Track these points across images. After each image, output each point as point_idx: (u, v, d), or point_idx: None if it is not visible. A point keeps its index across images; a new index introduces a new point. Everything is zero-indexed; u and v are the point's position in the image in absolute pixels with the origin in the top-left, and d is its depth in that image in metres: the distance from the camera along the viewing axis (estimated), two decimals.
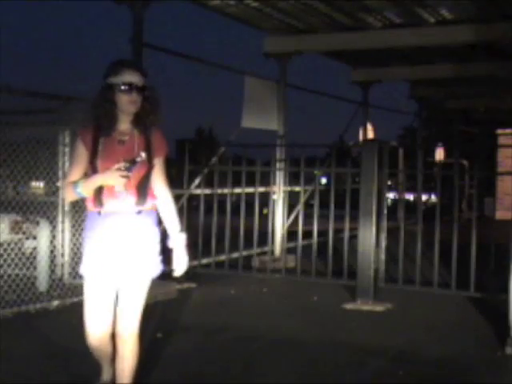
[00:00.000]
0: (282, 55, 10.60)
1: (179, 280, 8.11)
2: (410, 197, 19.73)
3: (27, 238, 7.12)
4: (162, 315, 6.67)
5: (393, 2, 9.23)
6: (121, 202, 3.51)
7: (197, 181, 8.65)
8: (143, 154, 3.45)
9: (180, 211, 8.54)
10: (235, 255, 8.61)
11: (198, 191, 8.67)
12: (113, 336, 3.65)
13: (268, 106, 10.31)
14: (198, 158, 8.73)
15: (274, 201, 9.78)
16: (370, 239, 7.39)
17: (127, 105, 3.47)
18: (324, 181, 16.17)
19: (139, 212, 3.53)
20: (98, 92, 3.50)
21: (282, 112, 10.48)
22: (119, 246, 3.53)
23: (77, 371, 4.78)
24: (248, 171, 8.65)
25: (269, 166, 9.68)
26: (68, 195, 3.62)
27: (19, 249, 6.81)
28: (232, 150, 10.80)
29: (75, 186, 3.46)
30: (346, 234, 7.90)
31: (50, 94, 6.84)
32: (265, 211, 10.09)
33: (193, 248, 8.54)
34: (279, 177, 10.05)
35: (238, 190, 8.99)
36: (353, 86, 14.12)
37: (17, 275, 6.69)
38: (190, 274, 8.31)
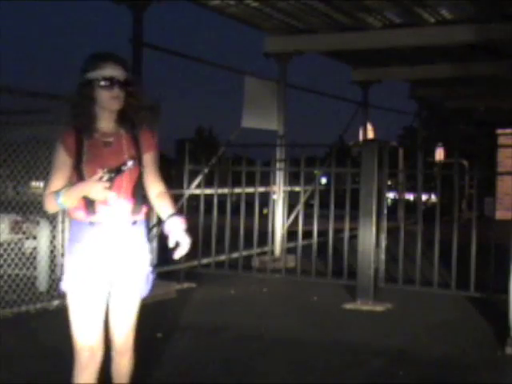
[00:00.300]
0: (282, 55, 10.60)
1: (179, 280, 8.14)
2: (410, 197, 19.73)
3: (27, 238, 7.12)
4: (161, 315, 6.67)
5: (393, 2, 9.23)
6: (114, 210, 3.17)
7: (197, 181, 8.64)
8: (130, 163, 3.07)
9: (180, 211, 8.56)
10: (235, 255, 8.61)
11: (198, 191, 8.66)
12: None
13: (268, 106, 10.30)
14: (198, 158, 8.73)
15: (274, 201, 9.78)
16: (370, 239, 7.39)
17: (109, 101, 3.14)
18: (324, 181, 16.16)
19: (134, 222, 3.23)
20: (76, 89, 3.17)
21: (282, 112, 10.48)
22: (110, 260, 3.21)
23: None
24: (248, 171, 8.65)
25: (269, 166, 9.69)
26: (49, 206, 3.19)
27: (19, 249, 6.81)
28: (232, 149, 10.82)
29: (56, 196, 3.11)
30: (346, 234, 7.90)
31: (50, 94, 6.84)
32: (265, 211, 10.09)
33: (193, 248, 8.56)
34: (279, 177, 10.05)
35: (238, 190, 8.99)
36: (353, 85, 14.12)
37: (17, 275, 6.69)
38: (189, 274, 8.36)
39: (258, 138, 11.41)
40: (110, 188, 3.03)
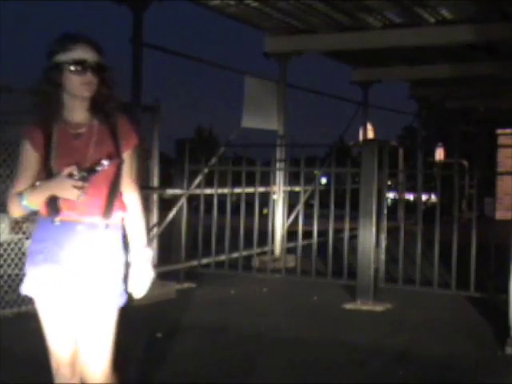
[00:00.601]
0: (282, 55, 10.59)
1: (179, 280, 8.14)
2: (410, 197, 19.72)
3: (27, 238, 7.11)
4: (161, 315, 6.67)
5: (393, 2, 9.23)
6: (83, 210, 2.79)
7: (197, 181, 8.64)
8: (105, 162, 2.71)
9: (180, 211, 8.57)
10: (235, 255, 8.60)
11: (198, 191, 8.66)
12: None
13: (268, 106, 10.30)
14: (198, 158, 8.72)
15: (274, 201, 9.78)
16: (370, 239, 7.40)
17: (79, 88, 2.76)
18: (324, 181, 16.16)
19: (107, 226, 2.83)
20: (42, 74, 2.79)
21: (282, 112, 10.48)
22: (78, 267, 2.82)
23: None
24: (248, 171, 8.65)
25: (269, 165, 9.69)
26: (13, 209, 2.82)
27: (19, 249, 6.81)
28: (232, 149, 10.81)
29: (20, 197, 2.75)
30: (346, 234, 7.90)
31: None
32: (265, 211, 10.09)
33: (192, 248, 8.57)
34: (279, 177, 10.05)
35: (237, 190, 8.99)
36: (353, 85, 14.12)
37: (17, 275, 6.68)
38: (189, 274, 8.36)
39: (258, 138, 11.41)
40: (83, 188, 2.68)
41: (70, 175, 2.67)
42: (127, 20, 7.57)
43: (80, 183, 2.67)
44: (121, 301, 2.88)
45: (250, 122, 9.95)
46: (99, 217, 2.81)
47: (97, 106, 2.84)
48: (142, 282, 2.90)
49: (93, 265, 2.83)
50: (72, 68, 2.74)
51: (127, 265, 2.91)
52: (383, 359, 5.42)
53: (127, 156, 2.89)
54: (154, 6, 7.74)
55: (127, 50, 7.48)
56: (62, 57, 2.75)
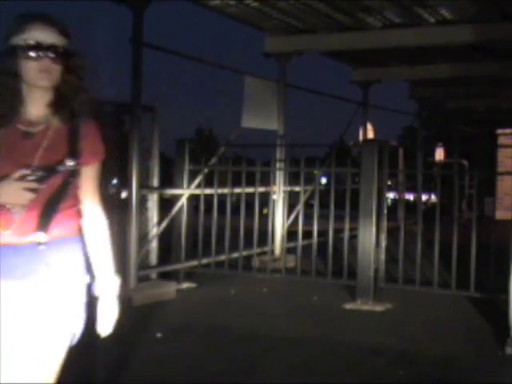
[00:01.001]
0: (282, 55, 10.59)
1: (179, 280, 8.14)
2: (410, 197, 19.73)
3: None
4: (161, 315, 6.68)
5: (393, 2, 9.23)
6: (16, 229, 2.29)
7: (197, 181, 8.64)
8: (70, 163, 2.31)
9: (180, 211, 8.57)
10: (235, 255, 8.60)
11: (198, 191, 8.66)
12: None
13: (268, 106, 10.30)
14: (198, 158, 8.72)
15: (274, 201, 9.77)
16: (370, 239, 7.39)
17: (36, 76, 2.29)
18: (324, 181, 16.17)
19: (45, 244, 2.31)
20: None
21: (282, 112, 10.47)
22: (17, 300, 2.31)
23: (77, 371, 4.77)
24: (248, 171, 8.65)
25: (269, 165, 9.68)
26: None
27: None
28: (232, 149, 10.81)
29: None
30: (346, 234, 7.90)
31: None
32: (265, 211, 10.08)
33: (193, 248, 8.57)
34: (279, 177, 10.04)
35: (237, 190, 8.99)
36: (353, 85, 14.12)
37: None
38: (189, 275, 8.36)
39: (258, 138, 11.40)
40: (36, 191, 2.24)
41: (22, 178, 2.24)
42: (127, 20, 7.58)
43: (34, 185, 2.24)
44: (72, 340, 2.42)
45: (249, 121, 9.95)
46: (34, 233, 2.30)
47: (61, 100, 2.37)
48: (108, 319, 2.46)
49: (35, 296, 2.32)
50: (28, 52, 2.28)
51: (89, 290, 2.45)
52: (383, 359, 5.42)
53: (88, 172, 2.43)
54: (154, 5, 7.74)
55: (127, 49, 7.49)
56: (17, 39, 2.29)
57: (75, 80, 2.36)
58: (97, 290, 2.44)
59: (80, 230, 2.44)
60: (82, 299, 2.41)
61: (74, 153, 2.35)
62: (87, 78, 2.39)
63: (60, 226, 2.35)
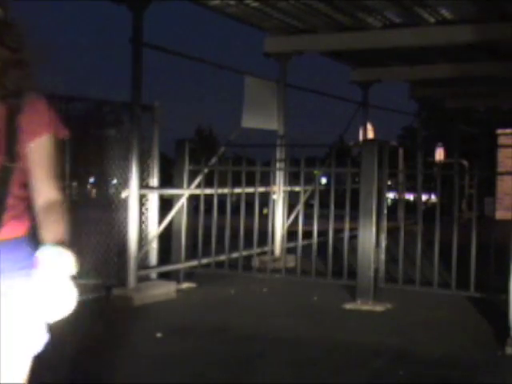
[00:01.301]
0: (282, 55, 10.59)
1: (179, 280, 8.14)
2: (410, 197, 19.73)
3: None
4: (161, 315, 6.67)
5: (393, 2, 9.23)
6: None
7: (197, 181, 8.64)
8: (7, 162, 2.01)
9: (180, 211, 8.56)
10: (235, 255, 8.60)
11: (198, 191, 8.66)
12: None
13: (268, 105, 10.30)
14: (198, 158, 8.72)
15: (274, 201, 9.77)
16: (369, 239, 7.39)
17: None
18: (324, 181, 16.17)
19: None
20: None
21: (282, 112, 10.47)
22: None
23: (76, 371, 4.78)
24: (248, 171, 8.65)
25: (269, 165, 9.68)
26: None
27: None
28: (232, 149, 10.81)
29: None
30: (346, 234, 7.90)
31: (49, 94, 6.83)
32: (265, 211, 10.08)
33: (193, 248, 8.57)
34: (279, 177, 10.04)
35: (237, 190, 8.99)
36: (353, 85, 14.12)
37: None
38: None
39: (258, 138, 11.40)
40: None
41: None
42: (127, 20, 7.58)
43: None
44: (36, 345, 2.13)
45: (249, 121, 9.95)
46: None
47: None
48: (52, 303, 1.96)
49: None
50: None
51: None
52: (383, 359, 5.42)
53: (36, 148, 2.06)
54: (154, 5, 7.74)
55: (127, 49, 7.50)
56: None
57: (7, 53, 2.01)
58: (38, 260, 1.97)
59: (27, 230, 2.11)
60: (37, 307, 1.98)
61: (13, 132, 2.02)
62: (18, 47, 2.04)
63: (5, 228, 2.03)
